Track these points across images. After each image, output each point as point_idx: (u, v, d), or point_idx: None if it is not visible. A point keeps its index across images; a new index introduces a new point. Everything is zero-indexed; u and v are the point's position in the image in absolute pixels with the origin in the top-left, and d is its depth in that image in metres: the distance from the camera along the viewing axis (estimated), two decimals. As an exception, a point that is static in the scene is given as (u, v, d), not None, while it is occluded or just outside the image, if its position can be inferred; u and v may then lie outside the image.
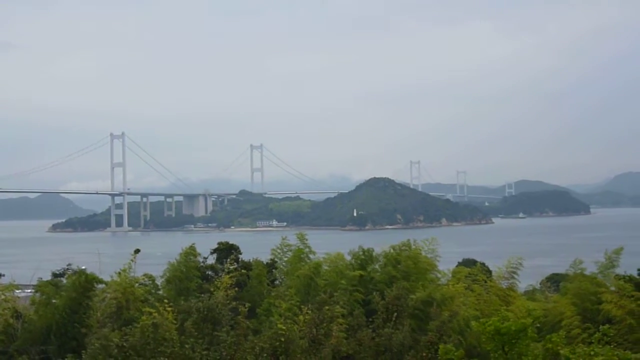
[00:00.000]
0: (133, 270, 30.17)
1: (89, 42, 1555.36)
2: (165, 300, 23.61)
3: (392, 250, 33.30)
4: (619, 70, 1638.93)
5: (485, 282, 32.82)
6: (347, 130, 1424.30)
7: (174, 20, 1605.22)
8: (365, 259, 33.55)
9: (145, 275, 31.84)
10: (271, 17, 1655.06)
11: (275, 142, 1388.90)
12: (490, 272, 36.31)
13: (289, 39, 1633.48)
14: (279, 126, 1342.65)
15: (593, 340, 17.25)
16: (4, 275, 40.87)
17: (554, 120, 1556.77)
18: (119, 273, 29.60)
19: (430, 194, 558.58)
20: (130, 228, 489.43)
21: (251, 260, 33.98)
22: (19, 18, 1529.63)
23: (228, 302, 24.15)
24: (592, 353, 16.23)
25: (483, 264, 38.24)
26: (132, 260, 30.23)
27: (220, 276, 31.25)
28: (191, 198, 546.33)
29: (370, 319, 24.71)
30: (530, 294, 40.52)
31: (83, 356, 20.78)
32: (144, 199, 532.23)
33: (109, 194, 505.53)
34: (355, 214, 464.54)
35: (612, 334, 17.81)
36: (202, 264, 33.99)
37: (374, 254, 33.92)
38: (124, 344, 19.42)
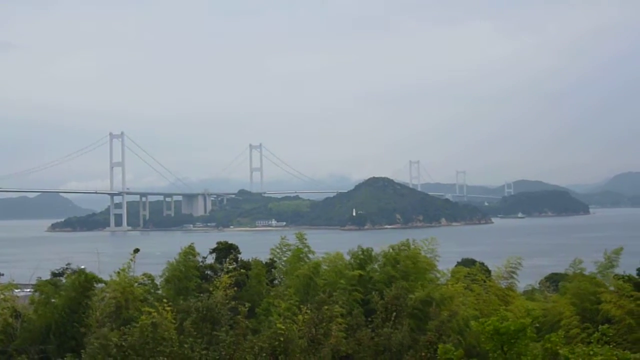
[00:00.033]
0: (132, 270, 30.21)
1: (89, 42, 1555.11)
2: (165, 300, 23.64)
3: (391, 250, 33.31)
4: (619, 70, 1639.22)
5: (485, 281, 32.85)
6: (347, 130, 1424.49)
7: (174, 20, 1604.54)
8: (364, 258, 33.56)
9: (144, 274, 31.86)
10: (271, 17, 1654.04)
11: (275, 142, 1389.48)
12: (489, 271, 36.33)
13: (289, 39, 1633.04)
14: (279, 126, 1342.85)
15: (592, 340, 17.27)
16: (3, 274, 40.92)
17: (554, 120, 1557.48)
18: (118, 272, 29.63)
19: (430, 193, 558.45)
20: (130, 227, 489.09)
21: (250, 260, 33.97)
22: (19, 18, 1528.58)
23: (227, 301, 24.15)
24: (591, 353, 16.23)
25: (482, 263, 38.26)
26: (131, 260, 30.26)
27: (220, 276, 31.26)
28: (190, 198, 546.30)
29: (370, 319, 24.71)
30: (529, 294, 40.52)
31: (82, 356, 20.79)
32: (143, 199, 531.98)
33: (108, 194, 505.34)
34: (354, 214, 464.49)
35: (611, 334, 17.82)
36: (201, 264, 33.98)
37: (373, 253, 33.94)
38: (123, 344, 19.42)
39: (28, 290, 34.51)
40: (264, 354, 19.96)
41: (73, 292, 27.51)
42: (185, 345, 19.43)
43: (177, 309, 23.37)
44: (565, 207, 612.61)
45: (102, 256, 36.91)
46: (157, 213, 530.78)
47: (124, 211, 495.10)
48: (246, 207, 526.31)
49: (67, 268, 34.91)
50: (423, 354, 20.85)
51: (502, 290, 32.68)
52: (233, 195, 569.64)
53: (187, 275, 31.62)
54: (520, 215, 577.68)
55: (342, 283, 30.25)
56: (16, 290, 32.09)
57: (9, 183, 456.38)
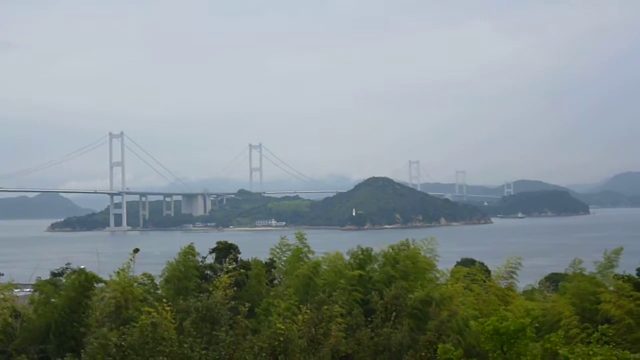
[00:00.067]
0: (132, 270, 30.22)
1: (89, 42, 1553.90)
2: (164, 300, 23.64)
3: (390, 250, 33.32)
4: (619, 70, 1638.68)
5: (484, 281, 32.86)
6: (347, 130, 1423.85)
7: (174, 20, 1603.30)
8: (364, 258, 33.57)
9: (144, 274, 31.88)
10: (271, 17, 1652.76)
11: (275, 142, 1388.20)
12: (489, 271, 36.34)
13: (289, 39, 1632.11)
14: (279, 126, 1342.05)
15: (592, 340, 17.28)
16: (2, 274, 40.92)
17: (554, 120, 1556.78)
18: (118, 272, 29.64)
19: (429, 193, 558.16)
20: (129, 227, 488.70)
21: (250, 260, 33.98)
22: (19, 18, 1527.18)
23: (227, 301, 24.17)
24: (590, 353, 16.24)
25: (482, 263, 38.28)
26: (131, 260, 30.27)
27: (219, 276, 31.27)
28: (190, 197, 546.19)
29: (369, 319, 24.73)
30: (529, 294, 40.50)
31: (82, 355, 20.79)
32: (143, 199, 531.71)
33: (108, 194, 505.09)
34: (354, 214, 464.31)
35: (610, 334, 17.83)
36: (200, 264, 33.99)
37: (372, 253, 33.94)
38: (123, 343, 19.42)
39: (28, 290, 34.53)
40: (264, 354, 19.96)
41: (73, 292, 27.52)
42: (185, 345, 19.43)
43: (177, 309, 23.37)
44: (565, 207, 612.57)
45: (101, 256, 36.94)
46: (157, 213, 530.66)
47: (123, 211, 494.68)
48: (246, 207, 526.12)
49: (66, 268, 34.93)
50: (423, 353, 20.85)
51: (501, 290, 32.68)
52: (233, 195, 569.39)
53: (187, 275, 31.63)
54: (520, 215, 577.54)
55: (342, 283, 30.25)
56: (16, 290, 32.11)
57: (8, 183, 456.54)
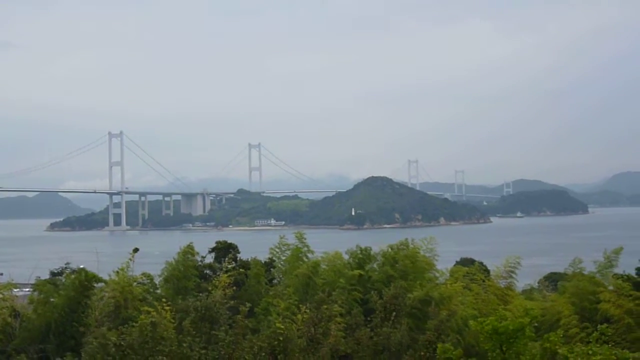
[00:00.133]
0: (131, 269, 30.21)
1: (89, 42, 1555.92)
2: (164, 299, 23.63)
3: (390, 250, 33.28)
4: (619, 70, 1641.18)
5: (483, 281, 32.84)
6: (346, 130, 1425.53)
7: (174, 20, 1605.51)
8: (363, 258, 33.54)
9: (143, 274, 31.88)
10: (271, 17, 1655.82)
11: (274, 142, 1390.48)
12: (488, 271, 36.34)
13: (289, 39, 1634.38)
14: (279, 126, 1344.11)
15: (591, 340, 17.28)
16: (2, 274, 40.91)
17: (553, 119, 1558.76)
18: (117, 272, 29.63)
19: (429, 193, 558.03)
20: (129, 227, 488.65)
21: (249, 259, 33.96)
22: (19, 18, 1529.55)
23: (226, 301, 24.17)
24: (590, 352, 16.25)
25: (481, 263, 38.34)
26: (130, 259, 30.25)
27: (219, 275, 31.25)
28: (189, 197, 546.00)
29: (369, 318, 24.74)
30: (528, 293, 40.52)
31: (82, 355, 20.79)
32: (142, 198, 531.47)
33: (107, 193, 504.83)
34: (353, 213, 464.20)
35: (610, 333, 17.85)
36: (200, 263, 33.96)
37: (371, 253, 33.92)
38: (122, 343, 19.42)
39: (27, 289, 34.51)
40: (263, 354, 19.98)
41: (72, 292, 27.49)
42: (184, 345, 19.44)
43: (176, 309, 23.38)
44: (564, 206, 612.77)
45: (101, 256, 36.92)
46: (156, 212, 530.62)
47: (123, 211, 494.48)
48: (245, 206, 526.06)
49: (66, 267, 34.88)
50: (422, 353, 20.87)
51: (501, 289, 32.66)
52: (232, 195, 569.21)
53: (186, 275, 31.61)
54: (519, 214, 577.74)
55: (341, 282, 30.24)
56: (15, 290, 32.08)
57: (8, 182, 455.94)
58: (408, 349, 21.88)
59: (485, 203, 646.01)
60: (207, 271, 34.17)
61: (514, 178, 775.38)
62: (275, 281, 34.17)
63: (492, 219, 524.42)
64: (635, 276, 32.33)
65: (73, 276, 28.78)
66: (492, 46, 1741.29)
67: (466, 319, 25.22)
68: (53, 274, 35.66)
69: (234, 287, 28.91)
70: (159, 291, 31.40)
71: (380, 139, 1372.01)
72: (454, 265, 42.82)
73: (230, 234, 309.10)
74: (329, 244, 62.99)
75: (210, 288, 28.40)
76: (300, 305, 23.89)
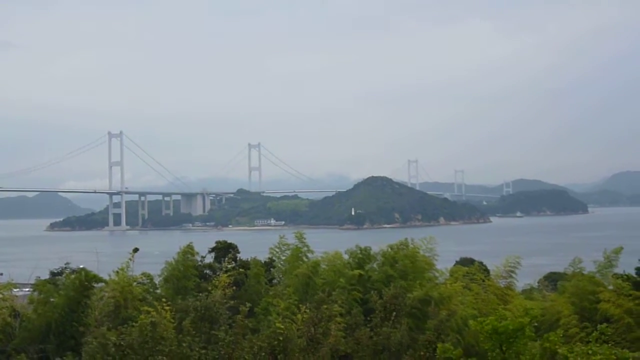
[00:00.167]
0: (131, 269, 30.21)
1: (89, 42, 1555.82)
2: (163, 299, 23.62)
3: (389, 249, 33.27)
4: (619, 70, 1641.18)
5: (483, 281, 32.83)
6: (346, 130, 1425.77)
7: (174, 20, 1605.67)
8: (363, 257, 33.53)
9: (143, 274, 31.88)
10: (271, 17, 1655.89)
11: (274, 142, 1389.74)
12: (488, 271, 36.32)
13: (289, 39, 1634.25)
14: (279, 126, 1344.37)
15: (591, 339, 17.27)
16: (2, 274, 40.89)
17: (553, 119, 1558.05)
18: (117, 272, 29.63)
19: (428, 192, 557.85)
20: (128, 227, 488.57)
21: (249, 259, 33.96)
22: (19, 18, 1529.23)
23: (226, 301, 24.18)
24: (589, 352, 16.24)
25: (481, 262, 38.32)
26: (130, 259, 30.25)
27: (218, 275, 31.25)
28: (189, 197, 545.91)
29: (368, 318, 24.73)
30: (528, 293, 40.51)
31: (82, 355, 20.80)
32: (142, 198, 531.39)
33: (107, 193, 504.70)
34: (353, 213, 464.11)
35: (610, 333, 17.86)
36: (200, 263, 33.96)
37: (371, 252, 33.90)
38: (122, 343, 19.43)
39: (27, 289, 34.52)
40: (263, 353, 19.97)
41: (72, 292, 27.48)
42: (184, 344, 19.44)
43: (176, 308, 23.38)
44: (564, 206, 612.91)
45: (101, 255, 36.96)
46: (156, 212, 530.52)
47: (122, 210, 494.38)
48: (245, 206, 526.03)
49: (66, 267, 34.89)
50: (422, 353, 20.86)
51: (500, 289, 32.65)
52: (232, 195, 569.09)
53: (186, 275, 31.61)
54: (518, 214, 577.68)
55: (341, 282, 30.23)
56: (15, 290, 32.07)
57: (8, 182, 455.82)
58: (408, 348, 21.88)
59: (485, 203, 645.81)
60: (207, 271, 34.17)
61: (514, 178, 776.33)
62: (275, 281, 34.17)
63: (491, 218, 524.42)
64: (635, 276, 32.31)
65: (73, 276, 28.76)
66: (492, 46, 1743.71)
67: (466, 319, 25.22)
68: (53, 273, 35.70)
69: (234, 287, 28.92)
70: (158, 291, 31.40)
71: (380, 139, 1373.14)
72: (454, 265, 42.81)
73: (230, 234, 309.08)
74: (328, 243, 63.00)
75: (210, 288, 28.39)
76: (300, 305, 23.88)
